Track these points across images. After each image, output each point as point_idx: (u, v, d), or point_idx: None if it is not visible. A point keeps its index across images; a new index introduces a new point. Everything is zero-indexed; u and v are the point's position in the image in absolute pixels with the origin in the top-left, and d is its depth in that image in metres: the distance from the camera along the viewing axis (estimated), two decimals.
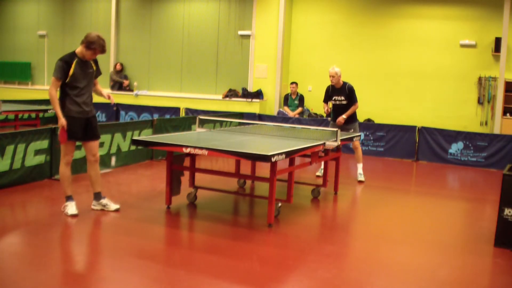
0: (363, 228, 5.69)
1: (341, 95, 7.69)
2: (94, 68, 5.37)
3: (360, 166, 7.98)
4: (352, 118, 7.76)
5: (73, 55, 5.19)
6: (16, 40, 16.57)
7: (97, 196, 5.58)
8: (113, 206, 5.57)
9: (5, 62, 16.61)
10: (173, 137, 5.97)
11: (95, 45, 5.12)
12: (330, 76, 7.61)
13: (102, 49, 5.19)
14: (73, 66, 5.12)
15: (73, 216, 5.27)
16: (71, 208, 5.32)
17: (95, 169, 5.49)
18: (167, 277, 3.88)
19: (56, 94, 5.11)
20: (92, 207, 5.59)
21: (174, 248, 4.71)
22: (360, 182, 7.87)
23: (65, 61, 5.11)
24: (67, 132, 5.16)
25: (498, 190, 5.13)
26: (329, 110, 8.12)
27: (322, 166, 8.07)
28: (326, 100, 7.93)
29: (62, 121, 5.12)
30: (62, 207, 5.39)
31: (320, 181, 7.59)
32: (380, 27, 12.42)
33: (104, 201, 5.57)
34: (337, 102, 7.76)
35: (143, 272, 3.93)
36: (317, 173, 8.26)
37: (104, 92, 5.58)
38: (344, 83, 7.69)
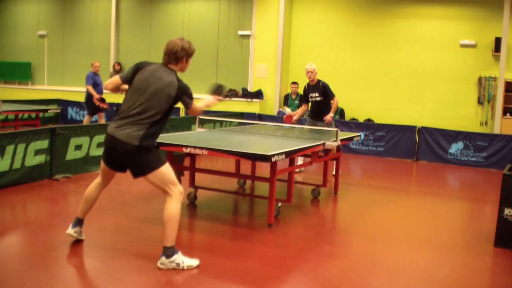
0: (363, 228, 5.68)
1: (316, 91, 7.86)
2: None
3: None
4: (327, 112, 7.79)
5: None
6: (16, 40, 16.58)
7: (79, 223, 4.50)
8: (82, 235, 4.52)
9: (5, 62, 16.61)
10: (173, 137, 5.97)
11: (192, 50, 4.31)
12: (308, 72, 7.71)
13: None
14: None
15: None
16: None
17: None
18: (167, 277, 3.88)
19: None
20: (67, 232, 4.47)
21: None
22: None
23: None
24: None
25: (498, 190, 5.13)
26: (296, 120, 8.07)
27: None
28: (305, 100, 7.99)
29: (212, 100, 4.40)
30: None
31: (319, 181, 7.57)
32: (380, 27, 12.42)
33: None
34: (313, 99, 7.93)
35: (143, 272, 3.93)
36: (297, 170, 8.17)
37: None
38: (318, 81, 7.85)
